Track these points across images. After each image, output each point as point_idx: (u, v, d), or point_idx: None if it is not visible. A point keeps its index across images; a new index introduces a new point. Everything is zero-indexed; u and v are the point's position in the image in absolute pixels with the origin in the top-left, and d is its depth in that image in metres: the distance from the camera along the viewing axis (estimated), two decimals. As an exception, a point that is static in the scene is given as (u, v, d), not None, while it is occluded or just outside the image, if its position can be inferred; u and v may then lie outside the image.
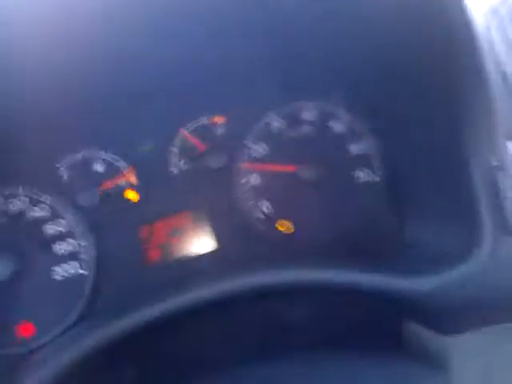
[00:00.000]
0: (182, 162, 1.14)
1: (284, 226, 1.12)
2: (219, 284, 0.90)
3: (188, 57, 1.09)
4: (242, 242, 1.12)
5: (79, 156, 1.12)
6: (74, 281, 1.06)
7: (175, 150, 1.14)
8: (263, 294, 0.94)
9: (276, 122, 1.17)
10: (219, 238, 1.12)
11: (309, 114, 1.18)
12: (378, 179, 1.13)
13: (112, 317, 1.02)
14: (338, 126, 1.17)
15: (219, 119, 1.17)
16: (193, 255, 1.11)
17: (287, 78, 1.17)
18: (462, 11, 0.72)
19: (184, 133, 1.14)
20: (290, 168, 1.11)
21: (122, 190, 1.12)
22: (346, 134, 1.16)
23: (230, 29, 1.04)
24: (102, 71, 1.03)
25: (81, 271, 1.06)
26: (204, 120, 1.16)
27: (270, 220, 1.12)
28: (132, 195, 1.11)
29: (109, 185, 1.11)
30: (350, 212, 1.11)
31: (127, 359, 1.02)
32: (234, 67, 1.16)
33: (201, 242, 1.12)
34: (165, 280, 1.10)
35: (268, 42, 1.11)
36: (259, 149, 1.15)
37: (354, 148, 1.15)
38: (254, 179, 1.14)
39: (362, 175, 1.14)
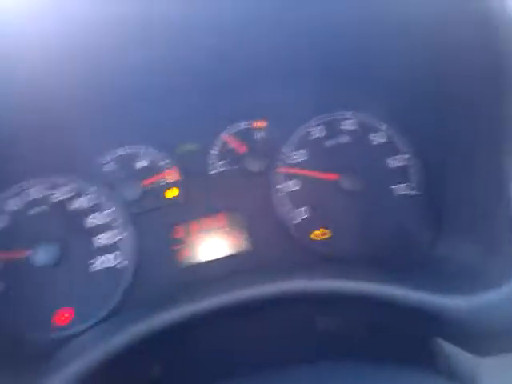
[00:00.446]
0: (221, 163, 1.16)
1: (319, 234, 1.12)
2: (250, 287, 0.91)
3: (233, 60, 1.11)
4: (276, 247, 1.13)
5: (124, 151, 1.14)
6: (112, 272, 1.08)
7: (215, 151, 1.16)
8: (293, 300, 0.95)
9: (316, 130, 1.18)
10: (253, 240, 1.14)
11: (349, 124, 1.19)
12: (414, 193, 1.12)
13: (145, 312, 1.05)
14: (377, 139, 1.18)
15: (260, 124, 1.19)
16: (226, 257, 1.13)
17: (330, 87, 1.18)
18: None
19: (225, 135, 1.16)
20: (332, 176, 1.12)
21: (162, 187, 1.14)
22: (386, 147, 1.16)
23: (277, 35, 1.05)
24: (151, 68, 1.06)
25: (119, 263, 1.08)
26: (245, 124, 1.18)
27: (306, 227, 1.12)
28: (172, 193, 1.14)
29: (151, 181, 1.14)
30: (386, 224, 1.11)
31: (154, 356, 1.04)
32: (278, 73, 1.17)
33: (235, 244, 1.14)
34: (197, 279, 1.12)
35: (314, 51, 1.12)
36: (298, 155, 1.16)
37: (393, 161, 1.15)
38: (293, 185, 1.15)
39: (400, 188, 1.13)
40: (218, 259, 1.13)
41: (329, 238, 1.13)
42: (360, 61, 1.13)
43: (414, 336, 0.91)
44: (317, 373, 0.91)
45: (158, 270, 1.12)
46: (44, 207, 1.09)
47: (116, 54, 0.95)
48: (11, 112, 0.96)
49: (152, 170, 1.14)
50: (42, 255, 1.04)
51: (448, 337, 0.86)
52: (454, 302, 0.80)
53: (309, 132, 1.17)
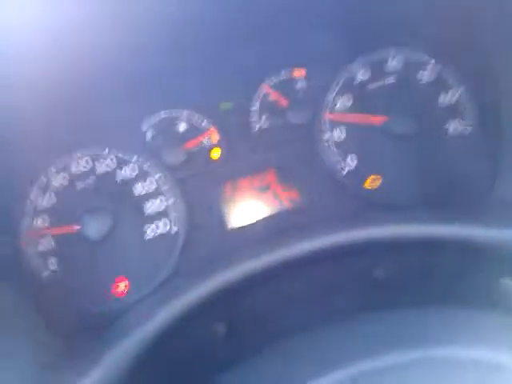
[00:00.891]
0: (264, 118, 1.11)
1: (370, 182, 1.09)
2: (306, 241, 0.90)
3: (265, 9, 1.03)
4: (328, 199, 1.11)
5: (163, 116, 1.11)
6: (164, 239, 1.08)
7: (256, 107, 1.11)
8: (352, 251, 0.94)
9: (360, 73, 1.11)
10: (304, 195, 1.11)
11: (394, 63, 1.12)
12: (469, 130, 1.07)
13: (201, 275, 1.05)
14: (426, 76, 1.11)
15: (299, 72, 1.12)
16: (278, 213, 1.11)
17: (369, 25, 1.10)
18: None
19: (266, 87, 1.11)
20: (378, 119, 1.06)
21: (205, 148, 1.11)
22: (436, 84, 1.09)
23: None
24: (184, 27, 1.00)
25: (171, 229, 1.08)
26: (284, 74, 1.12)
27: (356, 175, 1.09)
28: (216, 154, 1.11)
29: (192, 144, 1.11)
30: (440, 166, 1.07)
31: (216, 316, 1.05)
32: (312, 15, 1.09)
33: (286, 200, 1.11)
34: (250, 238, 1.11)
35: None
36: (344, 101, 1.11)
37: (445, 98, 1.09)
38: (339, 133, 1.11)
39: (453, 126, 1.08)
40: (269, 216, 1.11)
41: (381, 184, 1.09)
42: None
43: (476, 277, 0.89)
44: (379, 320, 0.92)
45: (209, 232, 1.11)
46: (89, 181, 1.07)
47: (149, 16, 0.89)
48: (48, 87, 0.93)
49: (193, 132, 1.11)
50: (92, 228, 1.04)
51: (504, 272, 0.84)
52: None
53: (352, 75, 1.10)
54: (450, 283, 0.94)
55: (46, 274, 1.05)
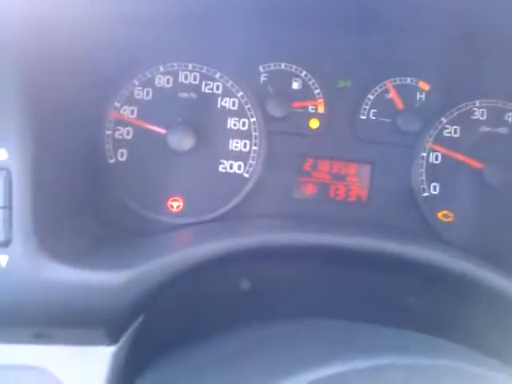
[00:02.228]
0: (374, 111, 1.11)
1: (443, 215, 1.09)
2: (356, 238, 0.90)
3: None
4: (393, 210, 1.11)
5: (282, 67, 1.10)
6: (236, 178, 1.09)
7: (371, 97, 1.11)
8: (392, 268, 0.94)
9: (478, 112, 1.11)
10: (376, 198, 1.11)
11: (512, 117, 1.12)
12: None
13: (252, 227, 1.06)
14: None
15: (425, 85, 1.12)
16: (341, 203, 1.12)
17: (506, 77, 1.10)
18: None
19: (388, 84, 1.11)
20: (477, 165, 1.07)
21: (307, 114, 1.11)
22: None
23: None
24: None
25: (246, 172, 1.08)
26: (411, 80, 1.12)
27: (433, 203, 1.09)
28: (315, 124, 1.11)
29: (299, 104, 1.11)
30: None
31: (246, 271, 1.05)
32: (460, 42, 1.10)
33: (356, 195, 1.12)
34: (310, 214, 1.11)
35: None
36: (452, 130, 1.11)
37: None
38: (435, 158, 1.10)
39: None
40: (332, 202, 1.12)
41: (452, 221, 1.09)
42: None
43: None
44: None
45: (276, 193, 1.12)
46: (193, 95, 1.07)
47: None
48: None
49: (303, 94, 1.11)
50: (177, 138, 1.04)
51: None
52: None
53: (470, 111, 1.10)
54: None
55: (112, 161, 1.04)
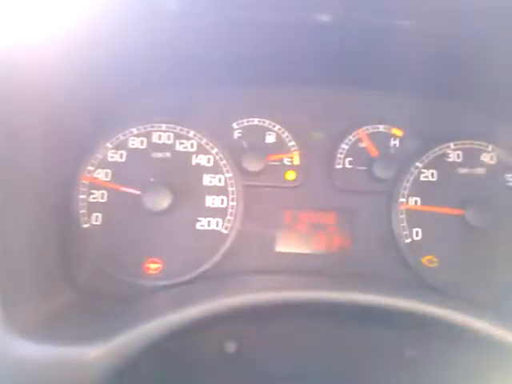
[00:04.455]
0: (349, 160, 1.11)
1: (428, 260, 1.07)
2: (339, 291, 0.88)
3: (382, 65, 1.06)
4: (379, 259, 1.09)
5: (255, 122, 1.11)
6: (214, 235, 1.07)
7: (345, 146, 1.12)
8: (383, 320, 0.91)
9: (454, 154, 1.12)
10: (358, 246, 1.10)
11: (488, 157, 1.12)
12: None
13: (232, 285, 1.02)
14: (515, 181, 1.11)
15: (398, 131, 1.13)
16: (324, 254, 1.10)
17: (478, 114, 1.12)
18: None
19: (361, 133, 1.12)
20: (456, 211, 1.06)
21: (283, 167, 1.11)
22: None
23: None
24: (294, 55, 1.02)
25: (225, 228, 1.06)
26: (383, 127, 1.13)
27: (416, 249, 1.07)
28: (291, 176, 1.10)
29: (274, 158, 1.10)
30: (502, 268, 1.04)
31: (231, 332, 1.01)
32: (426, 87, 1.12)
33: (338, 244, 1.10)
34: (290, 268, 1.09)
35: (469, 74, 1.05)
36: (428, 174, 1.10)
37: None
38: (414, 202, 1.10)
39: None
40: (315, 254, 1.10)
41: (437, 266, 1.07)
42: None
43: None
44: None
45: (256, 248, 1.10)
46: (167, 154, 1.07)
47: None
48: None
49: (278, 147, 1.11)
50: (151, 199, 1.02)
51: None
52: None
53: (445, 154, 1.11)
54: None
55: (86, 225, 1.03)
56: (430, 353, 0.95)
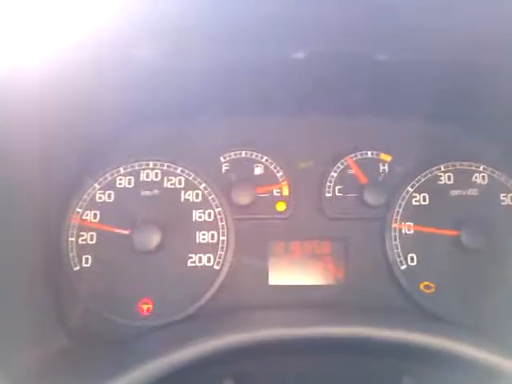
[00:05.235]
0: (338, 188, 1.10)
1: (425, 287, 1.05)
2: (338, 326, 0.86)
3: (366, 91, 1.06)
4: (374, 288, 1.07)
5: (242, 155, 1.11)
6: (204, 273, 1.05)
7: (334, 174, 1.11)
8: (382, 351, 0.89)
9: (445, 176, 1.10)
10: (353, 276, 1.08)
11: (480, 178, 1.11)
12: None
13: (228, 324, 1.00)
14: (508, 200, 1.09)
15: (386, 157, 1.12)
16: (319, 286, 1.08)
17: (467, 135, 1.11)
18: None
19: (349, 160, 1.11)
20: (451, 233, 1.05)
21: (273, 198, 1.10)
22: (516, 212, 1.07)
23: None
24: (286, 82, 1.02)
25: (216, 264, 1.05)
26: (371, 154, 1.12)
27: (413, 275, 1.05)
28: (281, 207, 1.09)
29: (263, 190, 1.10)
30: (503, 293, 1.02)
31: (227, 371, 0.99)
32: (412, 111, 1.11)
33: (333, 275, 1.08)
34: (286, 302, 1.07)
35: (455, 97, 1.05)
36: (420, 198, 1.09)
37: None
38: (407, 228, 1.08)
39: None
40: (310, 286, 1.08)
41: (434, 292, 1.05)
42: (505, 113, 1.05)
43: None
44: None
45: (250, 282, 1.08)
46: (155, 191, 1.06)
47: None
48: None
49: (266, 179, 1.10)
50: (142, 237, 1.01)
51: None
52: None
53: (437, 177, 1.09)
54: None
55: (77, 268, 1.02)
56: (429, 380, 0.93)
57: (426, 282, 1.05)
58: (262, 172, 1.10)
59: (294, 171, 1.11)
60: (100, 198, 1.06)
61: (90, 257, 1.03)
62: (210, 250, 1.06)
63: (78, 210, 1.05)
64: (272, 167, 1.10)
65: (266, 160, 1.10)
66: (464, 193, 1.09)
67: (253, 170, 1.10)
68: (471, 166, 1.11)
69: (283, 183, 1.10)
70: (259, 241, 1.08)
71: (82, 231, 1.04)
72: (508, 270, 1.04)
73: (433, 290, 1.05)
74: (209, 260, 1.05)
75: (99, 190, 1.06)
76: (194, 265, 1.05)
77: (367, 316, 0.97)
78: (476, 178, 1.10)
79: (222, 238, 1.06)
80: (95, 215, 1.05)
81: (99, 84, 0.90)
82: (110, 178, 1.07)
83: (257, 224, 1.09)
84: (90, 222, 1.04)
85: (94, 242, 1.04)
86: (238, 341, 0.81)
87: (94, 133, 1.05)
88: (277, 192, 1.09)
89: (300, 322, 0.91)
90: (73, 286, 1.02)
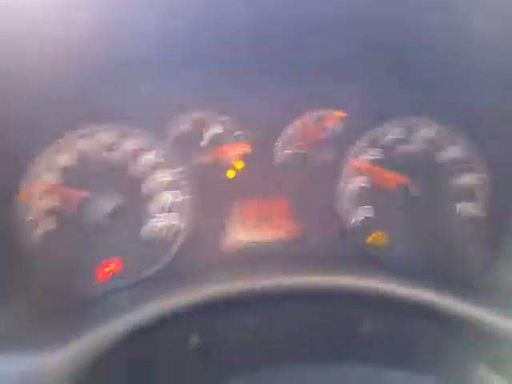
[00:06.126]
0: (293, 145, 1.14)
1: (375, 238, 1.12)
2: (293, 276, 0.91)
3: (321, 47, 1.07)
4: (326, 241, 1.13)
5: (201, 115, 1.12)
6: (167, 231, 1.08)
7: (291, 131, 1.14)
8: (338, 299, 0.95)
9: (394, 132, 1.15)
10: (306, 230, 1.13)
11: (427, 131, 1.16)
12: (479, 215, 1.11)
13: (190, 281, 1.04)
14: (453, 152, 1.15)
15: (339, 114, 1.16)
16: (275, 241, 1.13)
17: (415, 90, 1.15)
18: None
19: (304, 117, 1.14)
20: (401, 179, 1.10)
21: (231, 157, 1.13)
22: (460, 163, 1.14)
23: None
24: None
25: (177, 224, 1.09)
26: (325, 111, 1.15)
27: (364, 227, 1.12)
28: (238, 166, 1.13)
29: (222, 149, 1.12)
30: (445, 239, 1.10)
31: (191, 327, 1.03)
32: (362, 66, 1.14)
33: (286, 231, 1.14)
34: (243, 258, 1.12)
35: (404, 50, 1.08)
36: (373, 152, 1.14)
37: (465, 179, 1.13)
38: (357, 183, 1.13)
39: (465, 208, 1.12)
40: (267, 242, 1.13)
41: (383, 242, 1.12)
42: (452, 69, 1.09)
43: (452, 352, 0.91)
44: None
45: (208, 240, 1.11)
46: (114, 154, 1.07)
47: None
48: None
49: (225, 138, 1.12)
50: (103, 200, 1.03)
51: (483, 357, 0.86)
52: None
53: (386, 131, 1.14)
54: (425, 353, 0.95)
55: (39, 232, 1.02)
56: (385, 329, 1.00)
57: (378, 233, 1.12)
58: (220, 131, 1.12)
59: (251, 130, 1.13)
60: (58, 160, 1.06)
61: (50, 220, 1.04)
62: (172, 210, 1.08)
63: (37, 172, 1.04)
64: (229, 126, 1.12)
65: (225, 119, 1.12)
66: (413, 146, 1.14)
67: (211, 130, 1.12)
68: (417, 120, 1.15)
69: (241, 142, 1.12)
70: (219, 199, 1.12)
71: (41, 196, 1.04)
72: (450, 218, 1.11)
73: (382, 239, 1.12)
74: (170, 219, 1.08)
75: (57, 152, 1.06)
76: (155, 224, 1.07)
77: (319, 266, 1.02)
78: (423, 132, 1.15)
79: (182, 197, 1.09)
80: (54, 177, 1.05)
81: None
82: (68, 140, 1.06)
83: (216, 183, 1.12)
84: (50, 184, 1.04)
85: (53, 204, 1.05)
86: (199, 296, 0.85)
87: (56, 93, 1.03)
88: (234, 151, 1.12)
89: (259, 275, 0.95)
90: (31, 254, 1.02)
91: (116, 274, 1.05)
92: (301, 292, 0.90)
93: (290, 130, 1.14)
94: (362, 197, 1.12)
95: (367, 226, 1.11)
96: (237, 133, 1.13)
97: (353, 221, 1.11)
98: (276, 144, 1.14)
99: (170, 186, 1.09)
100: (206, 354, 0.97)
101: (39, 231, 1.03)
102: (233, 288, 0.88)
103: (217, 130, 1.12)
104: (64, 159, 1.07)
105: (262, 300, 0.95)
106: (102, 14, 0.87)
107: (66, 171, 1.06)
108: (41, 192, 1.05)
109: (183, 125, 1.12)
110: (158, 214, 1.08)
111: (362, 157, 1.14)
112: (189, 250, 1.08)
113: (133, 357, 0.88)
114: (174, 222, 1.08)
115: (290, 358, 0.97)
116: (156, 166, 1.10)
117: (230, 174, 1.13)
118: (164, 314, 0.80)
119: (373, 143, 1.14)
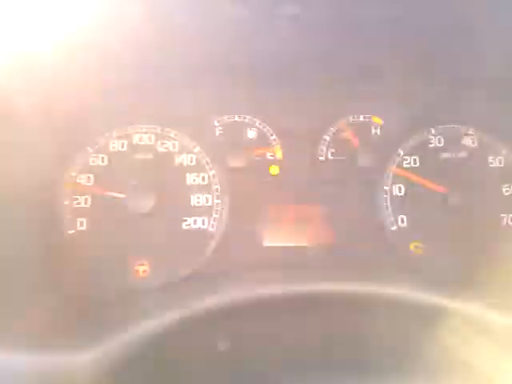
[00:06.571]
0: (331, 151, 1.11)
1: (414, 247, 1.08)
2: (327, 283, 0.88)
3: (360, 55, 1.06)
4: (365, 248, 1.09)
5: (235, 119, 1.11)
6: (199, 235, 1.06)
7: (328, 137, 1.12)
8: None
9: (435, 139, 1.12)
10: (344, 237, 1.09)
11: (469, 140, 1.13)
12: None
13: (222, 284, 1.02)
14: (496, 162, 1.11)
15: (378, 120, 1.13)
16: (311, 247, 1.09)
17: (457, 98, 1.12)
18: None
19: (342, 124, 1.12)
20: (440, 189, 1.06)
21: (267, 162, 1.11)
22: (503, 172, 1.10)
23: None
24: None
25: (211, 226, 1.06)
26: (364, 117, 1.13)
27: (403, 235, 1.08)
28: (274, 171, 1.10)
29: (258, 153, 1.10)
30: (487, 251, 1.05)
31: (223, 331, 1.00)
32: (405, 74, 1.12)
33: (322, 236, 1.10)
34: (279, 262, 1.08)
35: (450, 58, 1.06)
36: (411, 160, 1.11)
37: (509, 188, 1.09)
38: (398, 190, 1.10)
39: (511, 219, 1.07)
40: (303, 247, 1.09)
41: (424, 252, 1.08)
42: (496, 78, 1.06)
43: None
44: None
45: (244, 244, 1.09)
46: (149, 155, 1.06)
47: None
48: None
49: (260, 142, 1.11)
50: (136, 200, 1.02)
51: None
52: None
53: (427, 139, 1.11)
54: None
55: (71, 231, 1.02)
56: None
57: (416, 243, 1.08)
58: (256, 136, 1.10)
59: (287, 135, 1.11)
60: (93, 161, 1.05)
61: (84, 220, 1.03)
62: (204, 213, 1.06)
63: (73, 173, 1.04)
64: (265, 131, 1.10)
65: (260, 124, 1.10)
66: (453, 155, 1.11)
67: (246, 134, 1.10)
68: (461, 129, 1.12)
69: (276, 147, 1.10)
70: (253, 203, 1.09)
71: (76, 195, 1.04)
72: (491, 229, 1.06)
73: (422, 249, 1.08)
74: (203, 223, 1.06)
75: (92, 153, 1.05)
76: (188, 227, 1.05)
77: (356, 273, 0.99)
78: (465, 140, 1.12)
79: (216, 201, 1.07)
80: (89, 178, 1.04)
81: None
82: (103, 142, 1.06)
83: (251, 187, 1.09)
84: (84, 185, 1.04)
85: (88, 205, 1.04)
86: (231, 300, 0.82)
87: (88, 96, 1.03)
88: (270, 155, 1.10)
89: (294, 280, 0.92)
90: (68, 250, 1.02)
91: (148, 275, 1.02)
92: (337, 299, 0.86)
93: (328, 137, 1.11)
94: (402, 205, 1.08)
95: (407, 234, 1.06)
96: (273, 137, 1.10)
97: (393, 229, 1.06)
98: (313, 150, 1.11)
99: (204, 189, 1.07)
100: (235, 358, 0.92)
101: (75, 230, 1.02)
102: (266, 292, 0.85)
103: (253, 134, 1.10)
104: (100, 160, 1.05)
105: (296, 305, 0.92)
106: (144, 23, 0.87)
107: (101, 172, 1.05)
108: (77, 192, 1.04)
109: (218, 128, 1.10)
110: (189, 218, 1.05)
111: (403, 164, 1.10)
112: (221, 253, 1.06)
113: (162, 358, 0.86)
114: (206, 226, 1.05)
115: (324, 365, 0.93)
116: (189, 170, 1.07)
117: (268, 175, 1.09)
118: (195, 317, 0.78)
119: (414, 151, 1.11)
